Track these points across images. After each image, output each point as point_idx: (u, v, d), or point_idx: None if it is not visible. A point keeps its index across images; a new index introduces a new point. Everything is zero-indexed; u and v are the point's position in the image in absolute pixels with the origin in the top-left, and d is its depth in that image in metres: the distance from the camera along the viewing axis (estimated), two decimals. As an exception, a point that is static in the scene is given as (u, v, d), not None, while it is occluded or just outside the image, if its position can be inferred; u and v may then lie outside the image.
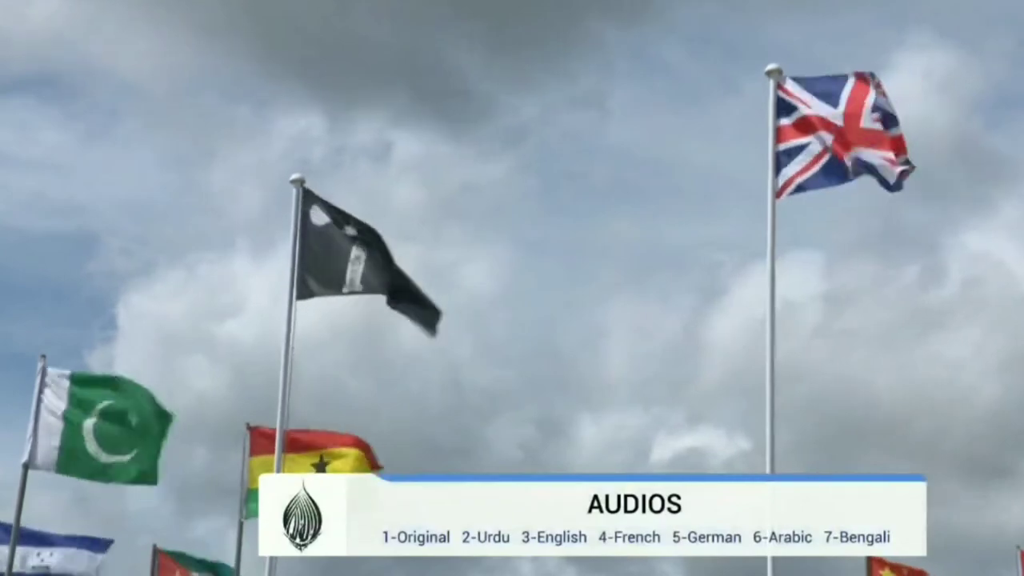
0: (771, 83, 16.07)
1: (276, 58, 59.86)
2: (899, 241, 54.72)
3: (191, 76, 60.91)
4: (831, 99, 15.86)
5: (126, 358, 47.35)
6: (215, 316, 51.31)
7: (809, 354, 45.97)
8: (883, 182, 15.85)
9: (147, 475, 22.01)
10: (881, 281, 51.28)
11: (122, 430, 21.84)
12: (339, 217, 18.05)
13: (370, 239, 17.98)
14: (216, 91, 64.07)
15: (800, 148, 15.80)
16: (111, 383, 22.38)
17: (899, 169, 15.74)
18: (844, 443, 44.00)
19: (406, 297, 18.05)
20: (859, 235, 54.19)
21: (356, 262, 17.85)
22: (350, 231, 17.96)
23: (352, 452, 23.24)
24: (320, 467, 22.79)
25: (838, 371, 46.18)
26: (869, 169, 15.81)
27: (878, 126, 15.79)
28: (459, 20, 59.73)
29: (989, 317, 47.45)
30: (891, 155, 15.78)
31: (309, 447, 22.93)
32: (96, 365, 46.79)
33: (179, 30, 58.84)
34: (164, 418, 22.14)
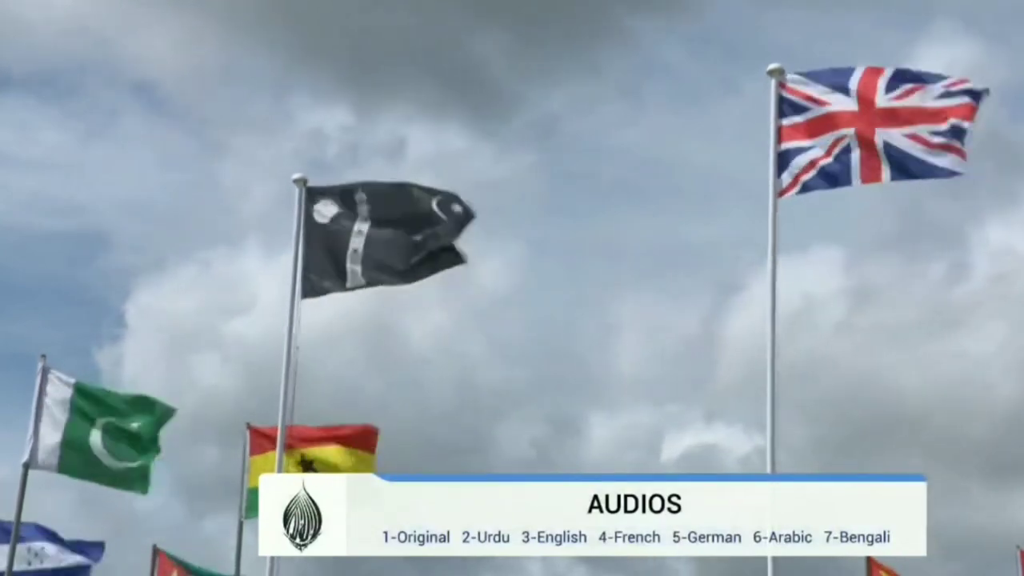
0: (773, 82, 16.02)
1: (298, 51, 59.74)
2: (923, 236, 54.13)
3: (211, 70, 60.66)
4: (842, 88, 15.70)
5: (134, 357, 47.41)
6: (225, 314, 51.31)
7: (830, 350, 45.84)
8: (929, 171, 15.50)
9: (141, 483, 22.07)
10: (904, 276, 50.93)
11: (129, 438, 21.87)
12: (347, 199, 17.97)
13: (378, 208, 17.84)
14: (235, 85, 63.83)
15: (804, 149, 15.71)
16: (115, 395, 22.40)
17: (951, 144, 15.35)
18: (864, 440, 43.85)
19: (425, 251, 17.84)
20: (882, 230, 53.74)
21: (354, 255, 17.80)
22: (356, 226, 17.87)
23: (334, 449, 23.15)
24: (306, 465, 22.76)
25: (860, 367, 46.00)
26: (907, 163, 15.45)
27: (896, 103, 15.59)
28: (484, 14, 59.62)
29: (1015, 313, 46.98)
30: (925, 130, 15.43)
31: (295, 444, 22.85)
32: (104, 364, 46.83)
33: (204, 22, 58.76)
34: (164, 416, 22.15)
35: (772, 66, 16.06)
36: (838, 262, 51.62)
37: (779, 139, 15.79)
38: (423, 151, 57.08)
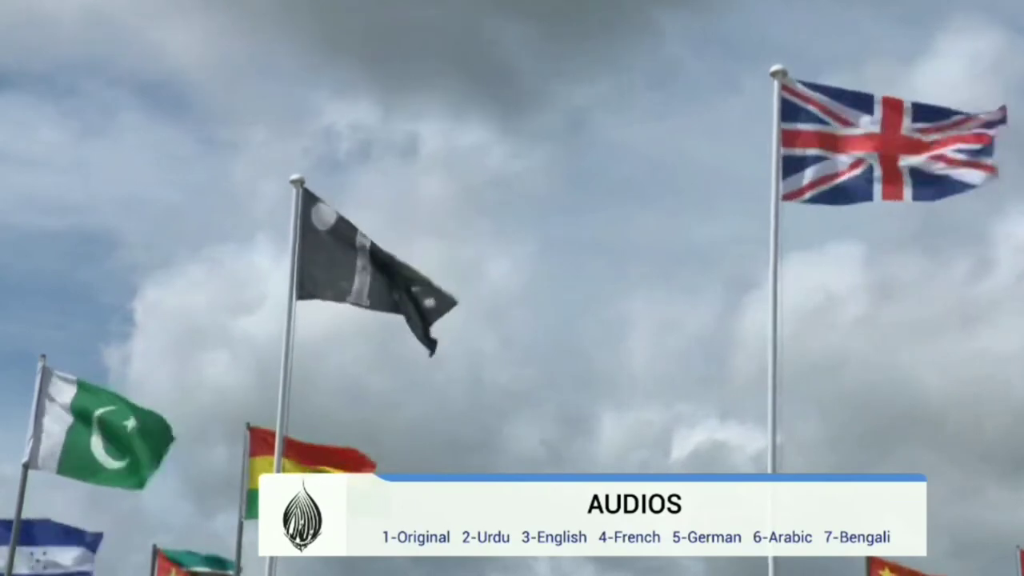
0: (775, 84, 15.98)
1: (321, 46, 59.47)
2: (945, 231, 53.54)
3: (232, 64, 60.44)
4: (867, 111, 15.71)
5: (141, 356, 47.38)
6: (234, 312, 51.22)
7: (850, 347, 45.66)
8: (952, 188, 15.63)
9: (137, 481, 22.01)
10: (926, 273, 50.60)
11: (122, 436, 21.83)
12: (344, 225, 17.91)
13: (374, 251, 17.84)
14: (254, 80, 63.47)
15: (819, 159, 15.67)
16: (114, 396, 22.36)
17: (978, 162, 15.46)
18: (881, 437, 43.72)
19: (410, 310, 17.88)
20: (903, 225, 53.19)
21: (363, 272, 17.75)
22: (358, 240, 17.84)
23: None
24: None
25: (879, 364, 45.78)
26: (930, 184, 15.55)
27: (919, 136, 15.65)
28: (507, 8, 59.44)
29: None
30: (955, 151, 15.50)
31: (308, 459, 22.88)
32: (111, 362, 46.84)
33: (227, 15, 58.59)
34: (166, 432, 22.13)
35: (774, 68, 16.00)
36: (858, 258, 51.38)
37: (784, 142, 15.75)
38: (436, 147, 57.06)
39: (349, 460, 23.46)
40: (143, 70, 62.20)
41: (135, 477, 21.96)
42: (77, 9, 58.50)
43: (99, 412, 21.76)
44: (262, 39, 59.62)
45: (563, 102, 61.00)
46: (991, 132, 15.54)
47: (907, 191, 15.59)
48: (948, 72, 50.65)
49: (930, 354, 46.86)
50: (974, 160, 15.51)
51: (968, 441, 43.72)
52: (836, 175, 15.61)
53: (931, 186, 15.59)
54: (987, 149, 15.53)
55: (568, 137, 59.55)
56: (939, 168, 15.55)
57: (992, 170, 15.47)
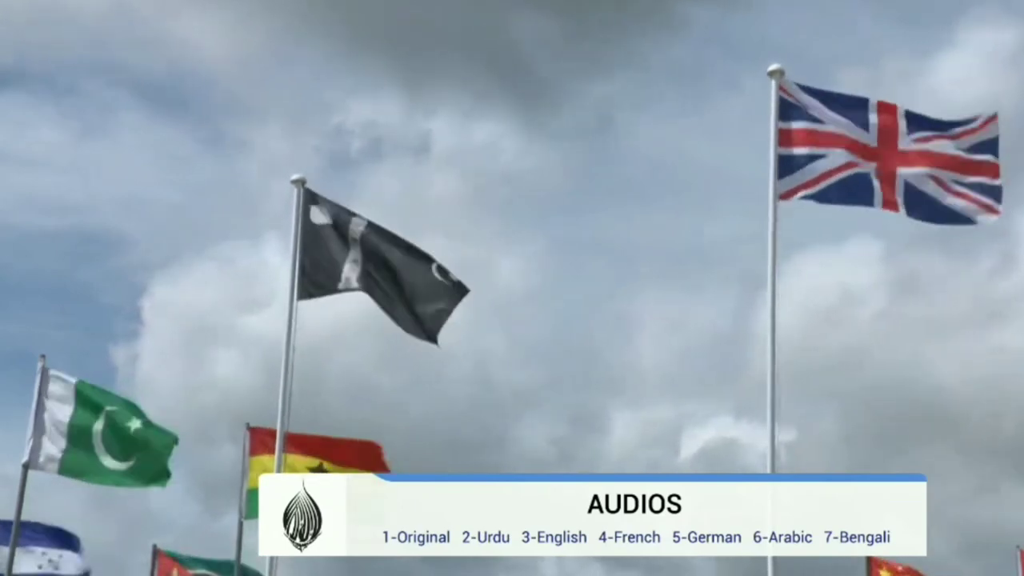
0: (773, 84, 15.99)
1: (344, 42, 59.34)
2: (965, 227, 53.10)
3: (246, 60, 60.37)
4: (861, 122, 15.74)
5: (148, 355, 47.36)
6: (241, 311, 51.18)
7: (868, 344, 45.56)
8: (953, 218, 15.78)
9: (156, 479, 22.06)
10: (945, 269, 50.44)
11: (126, 436, 21.85)
12: (343, 216, 17.90)
13: (374, 241, 17.81)
14: (272, 76, 63.44)
15: (818, 156, 15.68)
16: (114, 396, 22.40)
17: (987, 203, 15.61)
18: (899, 434, 43.66)
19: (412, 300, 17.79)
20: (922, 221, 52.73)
21: (354, 264, 17.74)
22: (354, 229, 17.82)
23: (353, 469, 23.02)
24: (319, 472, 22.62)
25: (898, 361, 45.68)
26: (926, 204, 15.62)
27: (919, 146, 15.70)
28: (529, 4, 59.37)
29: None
30: (948, 176, 15.60)
31: (310, 451, 22.82)
32: (118, 362, 46.85)
33: (244, 11, 58.48)
34: (167, 435, 22.16)
35: (772, 67, 16.02)
36: (876, 255, 51.25)
37: (781, 141, 15.76)
38: (451, 144, 56.94)
39: (361, 452, 23.35)
40: (146, 68, 62.27)
41: (141, 477, 22.00)
42: (81, 6, 58.51)
43: (101, 414, 21.79)
44: (281, 34, 59.61)
45: (582, 99, 60.90)
46: (990, 160, 15.62)
47: (901, 207, 15.68)
48: (966, 65, 50.58)
49: (949, 351, 46.76)
50: (982, 200, 15.65)
51: (986, 439, 43.66)
52: (835, 171, 15.63)
53: (927, 206, 15.70)
54: (996, 189, 15.65)
55: (584, 136, 59.57)
56: (935, 191, 15.65)
57: (997, 213, 15.64)
